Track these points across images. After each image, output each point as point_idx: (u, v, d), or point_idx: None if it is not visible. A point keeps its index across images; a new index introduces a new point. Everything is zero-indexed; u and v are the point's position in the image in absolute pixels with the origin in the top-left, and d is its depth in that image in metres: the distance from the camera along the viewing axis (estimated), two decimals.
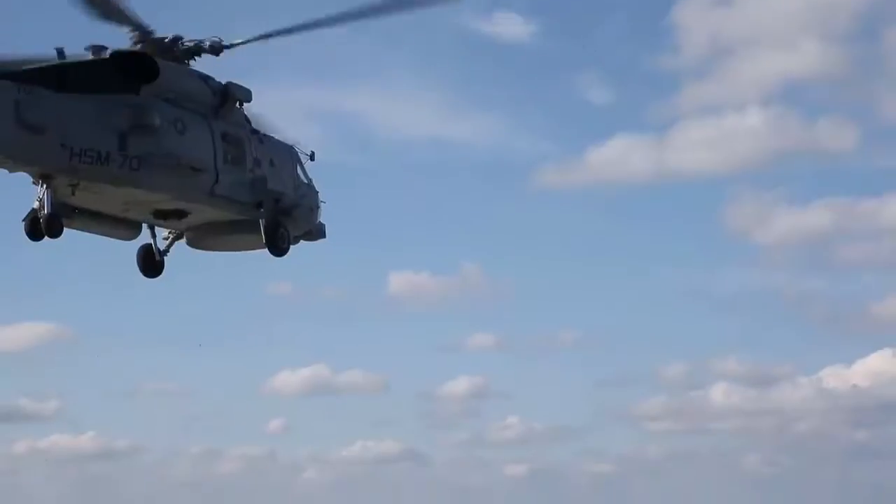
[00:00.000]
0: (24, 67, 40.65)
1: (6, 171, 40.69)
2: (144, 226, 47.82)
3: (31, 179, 42.06)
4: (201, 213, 45.87)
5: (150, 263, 48.66)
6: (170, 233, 48.86)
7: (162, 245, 48.94)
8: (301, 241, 50.45)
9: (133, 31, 43.44)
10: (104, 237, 46.62)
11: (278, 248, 47.63)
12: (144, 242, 48.66)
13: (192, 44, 44.91)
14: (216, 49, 45.26)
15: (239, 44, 45.62)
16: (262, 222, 46.85)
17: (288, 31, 45.09)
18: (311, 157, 50.06)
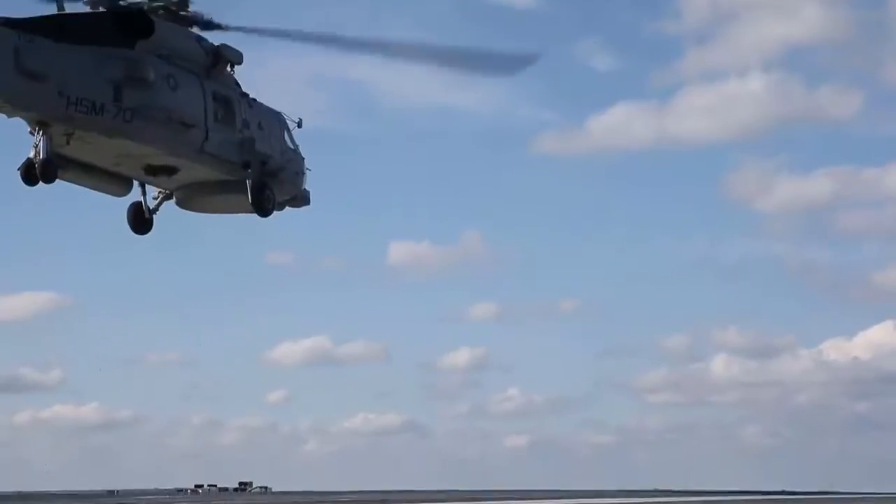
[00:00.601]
0: (23, 17, 42.13)
1: (5, 115, 42.12)
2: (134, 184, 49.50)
3: (28, 128, 43.61)
4: (190, 170, 47.32)
5: (140, 220, 50.12)
6: (159, 192, 50.34)
7: (152, 204, 50.46)
8: (286, 206, 52.08)
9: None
10: (96, 192, 48.10)
11: (263, 209, 49.21)
12: (134, 200, 50.15)
13: (189, 13, 46.45)
14: (207, 25, 46.84)
15: (231, 29, 47.21)
16: (248, 182, 48.43)
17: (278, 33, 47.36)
18: (299, 125, 51.64)
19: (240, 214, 51.84)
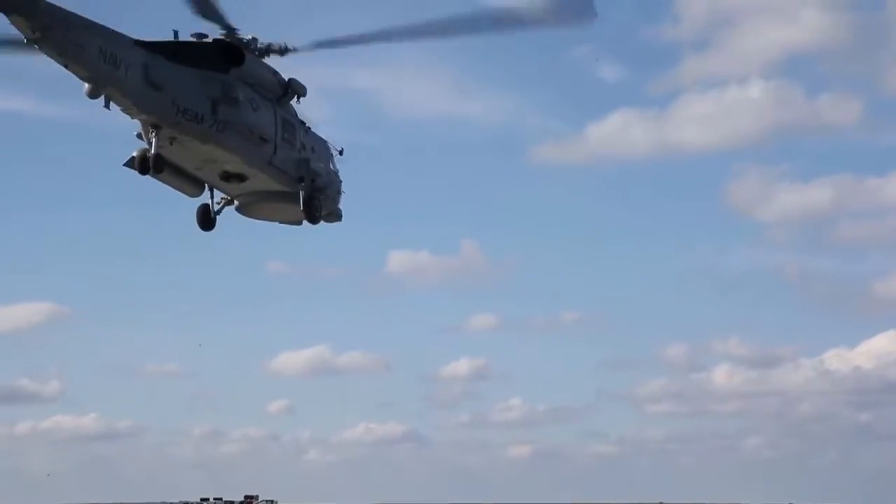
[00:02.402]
0: (154, 41, 52.78)
1: (129, 116, 52.57)
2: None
3: (139, 131, 54.11)
4: (257, 179, 57.88)
5: (206, 219, 60.47)
6: (222, 198, 60.79)
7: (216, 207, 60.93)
8: (321, 220, 62.72)
9: (222, 28, 55.65)
10: (176, 191, 58.46)
11: (313, 217, 59.97)
12: (202, 203, 60.52)
13: (263, 44, 57.27)
14: (283, 51, 57.63)
15: (299, 49, 57.87)
16: (301, 194, 59.13)
17: (338, 42, 57.39)
18: (341, 153, 62.57)
19: (276, 223, 62.98)
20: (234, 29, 55.28)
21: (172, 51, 53.29)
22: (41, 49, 47.74)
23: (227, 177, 57.71)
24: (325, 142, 61.65)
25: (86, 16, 49.77)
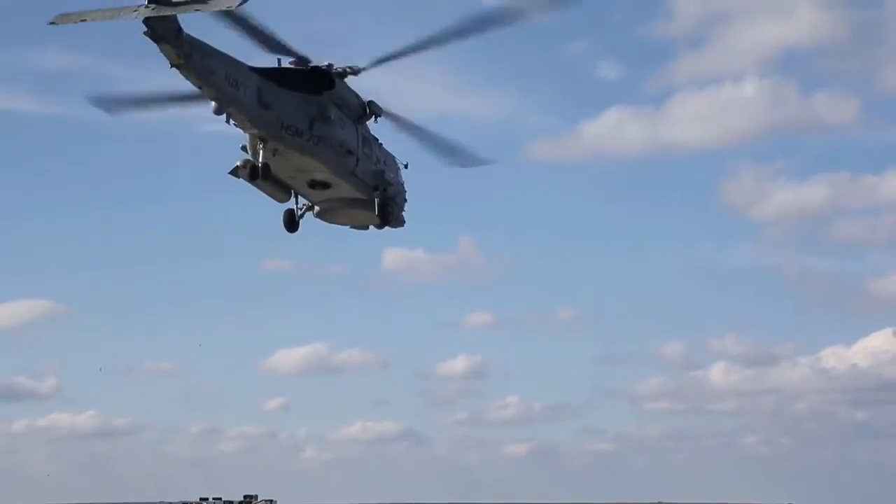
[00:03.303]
0: (261, 67, 61.92)
1: (242, 130, 61.68)
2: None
3: (246, 143, 63.16)
4: (340, 187, 66.96)
5: (291, 222, 69.45)
6: (304, 204, 69.81)
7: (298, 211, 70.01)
8: (385, 226, 71.83)
9: (294, 60, 64.74)
10: (268, 197, 67.45)
11: (386, 222, 69.22)
12: (288, 208, 69.51)
13: (340, 69, 66.36)
14: (356, 72, 66.64)
15: (367, 68, 66.67)
16: (376, 202, 68.35)
17: (399, 54, 65.72)
18: (405, 167, 71.76)
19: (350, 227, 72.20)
20: (307, 59, 64.31)
21: (279, 76, 62.47)
22: (182, 73, 56.79)
23: (314, 184, 66.75)
24: (393, 156, 70.89)
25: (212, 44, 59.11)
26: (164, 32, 54.77)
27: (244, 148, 63.97)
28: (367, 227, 72.11)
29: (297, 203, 69.60)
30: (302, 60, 64.08)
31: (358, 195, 68.30)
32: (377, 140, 69.25)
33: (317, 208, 69.84)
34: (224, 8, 53.97)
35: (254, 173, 62.70)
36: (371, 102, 67.80)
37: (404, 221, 72.54)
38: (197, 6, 53.86)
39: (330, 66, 65.33)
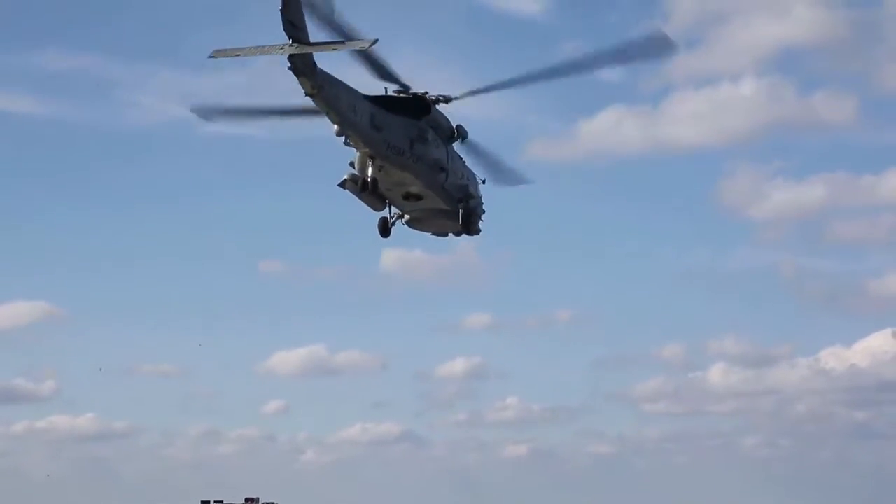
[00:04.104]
0: (372, 95, 71.77)
1: (356, 149, 71.53)
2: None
3: (355, 160, 72.99)
4: (431, 199, 76.72)
5: (385, 229, 79.27)
6: (395, 213, 79.59)
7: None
8: (466, 234, 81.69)
9: (397, 87, 74.64)
10: (367, 206, 77.23)
11: (469, 230, 79.21)
12: (382, 216, 79.29)
13: (434, 97, 76.17)
14: (447, 100, 76.45)
15: (459, 97, 76.42)
16: (461, 212, 78.22)
17: (490, 88, 75.51)
18: (483, 182, 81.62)
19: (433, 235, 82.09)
20: (407, 86, 74.21)
21: (386, 103, 72.36)
22: (315, 101, 66.65)
23: (408, 196, 76.58)
24: (474, 173, 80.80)
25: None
26: (303, 67, 64.58)
27: (352, 164, 73.91)
28: (446, 235, 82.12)
29: (389, 212, 79.48)
30: (404, 88, 73.95)
31: (445, 206, 78.14)
32: (461, 158, 79.21)
33: (406, 217, 79.66)
34: (356, 48, 63.87)
35: (364, 186, 72.61)
36: (459, 126, 77.67)
37: (480, 230, 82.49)
38: (333, 47, 63.73)
39: (426, 93, 75.20)
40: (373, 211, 78.53)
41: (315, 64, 65.43)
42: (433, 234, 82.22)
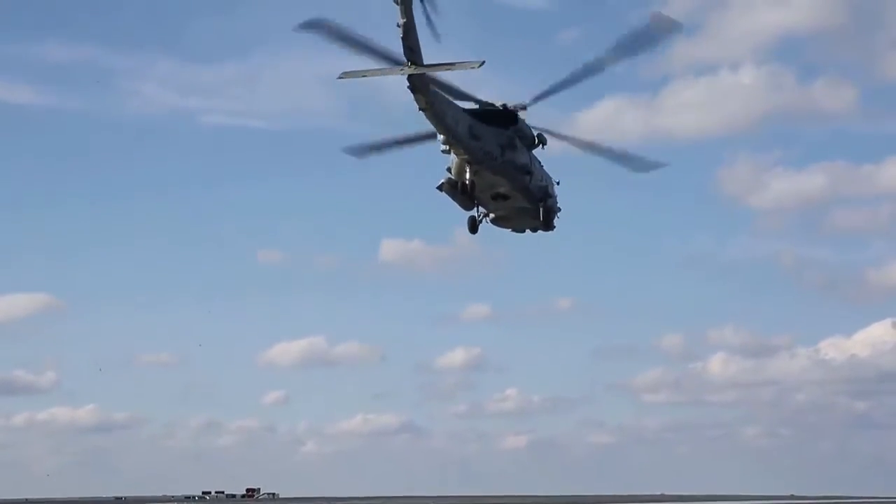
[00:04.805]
0: (467, 108, 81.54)
1: (456, 155, 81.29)
2: None
3: (452, 165, 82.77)
4: (515, 199, 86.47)
5: (474, 226, 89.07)
6: (481, 213, 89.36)
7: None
8: (544, 230, 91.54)
9: (481, 102, 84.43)
10: (458, 205, 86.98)
11: (548, 227, 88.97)
12: (470, 215, 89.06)
13: (512, 106, 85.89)
14: (524, 108, 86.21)
15: (531, 104, 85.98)
16: (541, 211, 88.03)
17: (553, 90, 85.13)
18: (558, 184, 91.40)
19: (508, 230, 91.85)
20: (491, 102, 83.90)
21: (481, 116, 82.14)
22: (426, 115, 76.36)
23: (496, 197, 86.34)
24: (550, 176, 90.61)
25: None
26: (419, 86, 74.33)
27: (449, 169, 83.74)
28: (524, 231, 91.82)
29: (477, 211, 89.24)
30: (485, 103, 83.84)
31: (528, 205, 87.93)
32: (540, 163, 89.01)
33: (492, 215, 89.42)
34: (466, 69, 73.57)
35: (462, 189, 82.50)
36: (540, 134, 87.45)
37: (556, 226, 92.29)
38: (446, 68, 73.48)
39: (504, 105, 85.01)
40: (463, 210, 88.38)
41: (428, 83, 75.11)
42: (513, 230, 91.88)
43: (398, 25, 71.53)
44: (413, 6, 71.30)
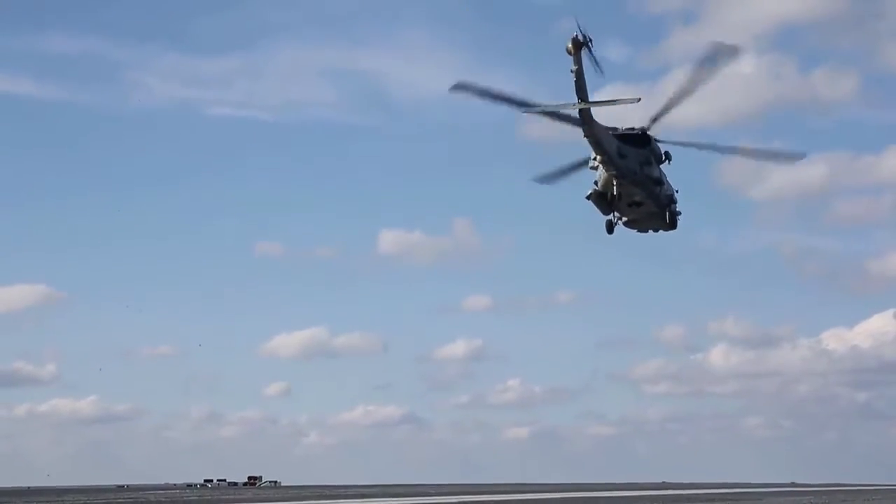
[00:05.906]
0: (616, 133, 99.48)
1: (606, 171, 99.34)
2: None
3: (599, 179, 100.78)
4: (648, 206, 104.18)
5: (610, 228, 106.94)
6: (616, 216, 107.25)
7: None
8: (669, 230, 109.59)
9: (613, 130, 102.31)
10: (599, 211, 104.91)
11: (673, 227, 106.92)
12: (607, 219, 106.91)
13: (639, 128, 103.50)
14: (646, 130, 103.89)
15: (650, 126, 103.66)
16: (667, 214, 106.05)
17: (666, 110, 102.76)
18: (677, 192, 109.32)
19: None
20: (631, 128, 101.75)
21: (625, 138, 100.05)
22: (588, 140, 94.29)
23: (632, 204, 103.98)
24: (671, 184, 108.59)
25: None
26: (587, 118, 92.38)
27: (596, 182, 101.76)
28: (647, 231, 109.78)
29: (613, 216, 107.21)
30: (626, 129, 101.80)
31: (657, 210, 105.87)
32: (665, 173, 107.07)
33: (625, 219, 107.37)
34: (626, 104, 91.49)
35: (611, 200, 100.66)
36: (667, 152, 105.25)
37: (677, 226, 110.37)
38: (607, 103, 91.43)
39: (631, 128, 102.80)
40: (602, 214, 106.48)
41: (592, 114, 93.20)
42: (639, 230, 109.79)
43: (571, 72, 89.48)
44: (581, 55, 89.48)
